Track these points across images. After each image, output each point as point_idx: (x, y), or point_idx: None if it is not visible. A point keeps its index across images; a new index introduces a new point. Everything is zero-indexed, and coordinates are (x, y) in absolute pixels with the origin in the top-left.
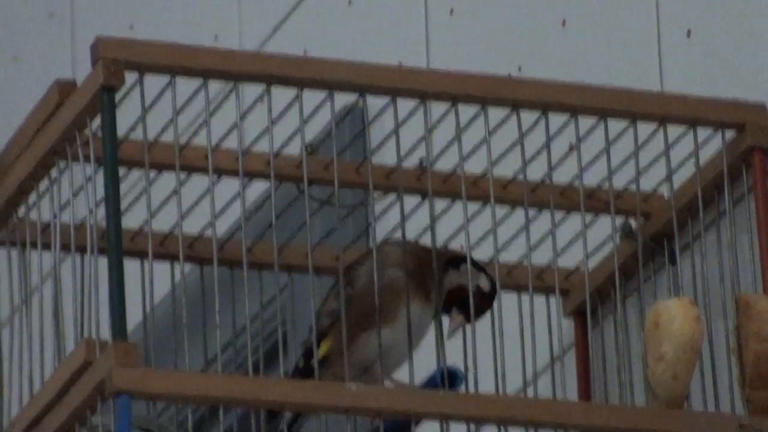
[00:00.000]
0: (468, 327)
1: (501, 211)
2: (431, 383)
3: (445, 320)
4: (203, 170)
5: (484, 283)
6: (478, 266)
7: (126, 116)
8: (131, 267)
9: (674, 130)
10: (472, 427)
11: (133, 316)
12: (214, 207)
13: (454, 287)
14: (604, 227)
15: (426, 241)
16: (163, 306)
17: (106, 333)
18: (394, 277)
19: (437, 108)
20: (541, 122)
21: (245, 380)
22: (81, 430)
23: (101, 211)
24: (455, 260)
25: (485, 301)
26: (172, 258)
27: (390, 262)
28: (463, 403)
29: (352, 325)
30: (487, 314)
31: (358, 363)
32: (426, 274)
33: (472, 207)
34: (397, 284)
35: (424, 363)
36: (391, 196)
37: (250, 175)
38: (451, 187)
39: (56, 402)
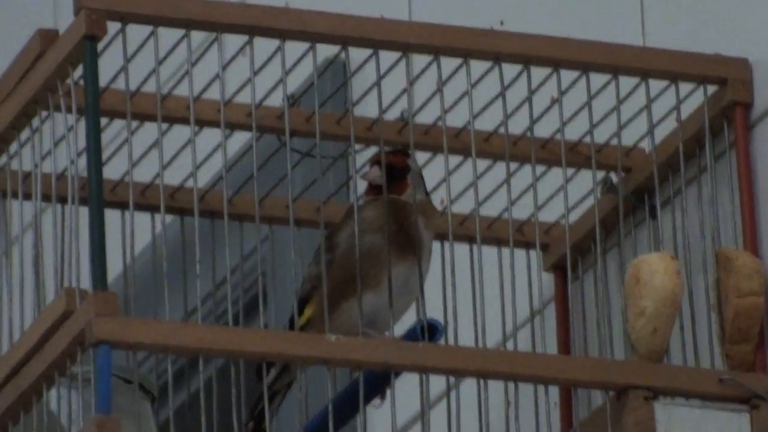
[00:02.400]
0: (449, 280)
1: (482, 164)
2: (411, 336)
3: (433, 267)
4: (185, 121)
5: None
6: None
7: (108, 66)
8: (112, 218)
9: (656, 85)
10: (452, 379)
11: (114, 268)
12: (195, 158)
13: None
14: (585, 181)
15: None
16: (144, 257)
17: (86, 284)
18: (374, 243)
19: (419, 60)
20: (523, 75)
21: (226, 331)
22: (61, 380)
23: (82, 161)
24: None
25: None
26: (153, 209)
27: (370, 227)
28: (442, 355)
29: (334, 292)
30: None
31: (343, 327)
32: (408, 229)
33: (454, 160)
34: (376, 250)
35: (405, 316)
36: (373, 148)
37: (232, 126)
38: (432, 139)
39: (36, 351)
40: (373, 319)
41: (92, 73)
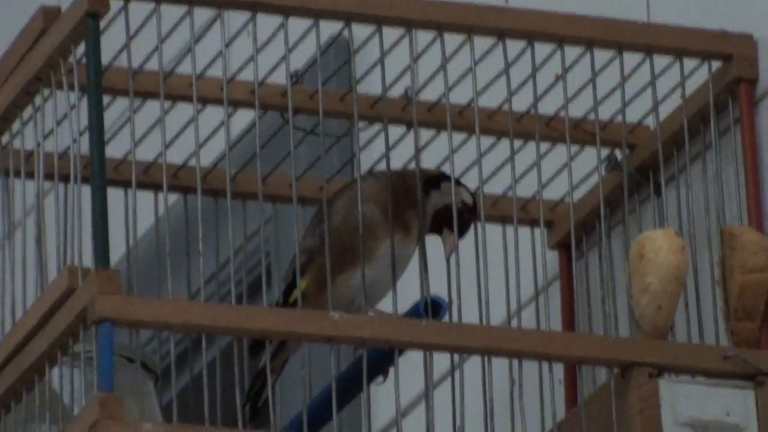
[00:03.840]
0: (453, 258)
1: (486, 141)
2: (414, 313)
3: (435, 244)
4: (188, 99)
5: (467, 197)
6: (456, 181)
7: (110, 44)
8: (115, 197)
9: (661, 61)
10: (456, 357)
11: (117, 249)
12: (198, 136)
13: (439, 208)
14: (589, 158)
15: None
16: (147, 238)
17: (89, 263)
18: (369, 215)
19: (423, 37)
20: (527, 52)
21: (228, 308)
22: (63, 359)
23: (85, 140)
24: (434, 181)
25: (471, 215)
26: (156, 187)
27: (364, 198)
28: (446, 333)
29: (330, 264)
30: (471, 234)
31: (337, 301)
32: (404, 204)
33: (458, 137)
34: (371, 222)
35: (408, 293)
36: (377, 126)
37: (235, 104)
38: (436, 117)
39: (38, 330)
40: (367, 292)
41: (95, 51)
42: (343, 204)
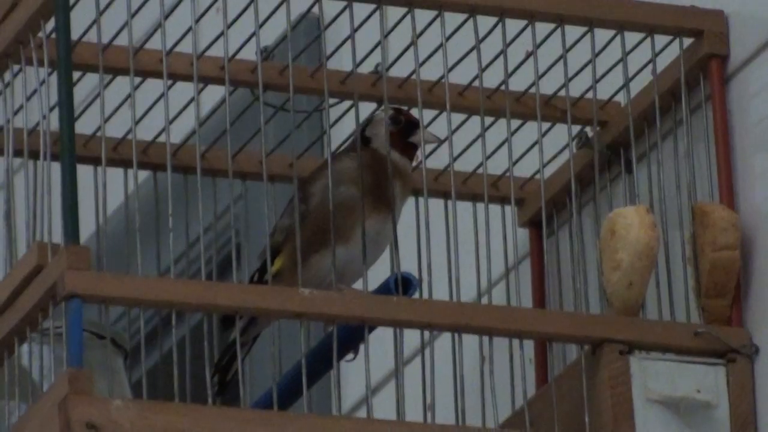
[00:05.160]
0: (423, 235)
1: (457, 118)
2: (385, 290)
3: (405, 221)
4: (158, 75)
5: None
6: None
7: (80, 19)
8: (84, 173)
9: (632, 37)
10: (426, 333)
11: (87, 226)
12: (167, 112)
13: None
14: (560, 135)
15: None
16: (117, 215)
17: (59, 239)
18: (348, 195)
19: (393, 13)
20: (498, 28)
21: (198, 284)
22: (32, 335)
23: (55, 116)
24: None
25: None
26: (126, 164)
27: (344, 179)
28: (417, 309)
29: (305, 245)
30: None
31: (312, 280)
32: (383, 182)
33: (428, 114)
34: (350, 202)
35: (379, 271)
36: (347, 102)
37: (205, 80)
38: (406, 93)
39: (8, 306)
40: (343, 272)
41: (64, 26)
42: (323, 184)
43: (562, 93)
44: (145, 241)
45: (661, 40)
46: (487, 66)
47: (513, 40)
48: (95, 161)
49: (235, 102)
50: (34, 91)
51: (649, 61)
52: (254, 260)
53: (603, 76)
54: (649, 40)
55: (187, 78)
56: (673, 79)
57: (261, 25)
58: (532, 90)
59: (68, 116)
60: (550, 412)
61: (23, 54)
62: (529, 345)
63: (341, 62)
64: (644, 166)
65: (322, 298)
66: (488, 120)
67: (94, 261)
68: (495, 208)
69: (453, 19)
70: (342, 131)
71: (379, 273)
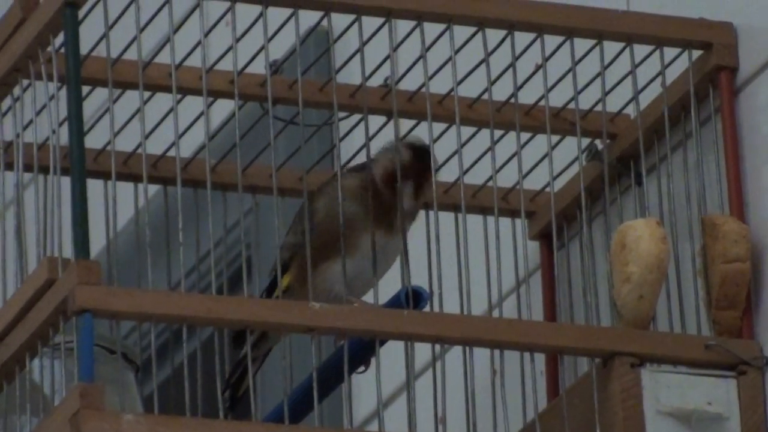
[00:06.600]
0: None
1: (466, 131)
2: (396, 303)
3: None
4: (167, 89)
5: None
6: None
7: (89, 33)
8: (94, 188)
9: (641, 50)
10: (437, 347)
11: (97, 240)
12: (177, 126)
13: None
14: (570, 148)
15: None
16: (127, 229)
17: (69, 254)
18: (351, 212)
19: (402, 26)
20: (507, 41)
21: (209, 299)
22: (44, 350)
23: (64, 131)
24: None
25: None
26: (136, 178)
27: (348, 195)
28: (428, 323)
29: (312, 258)
30: (452, 225)
31: (320, 295)
32: (388, 198)
33: (438, 127)
34: (352, 218)
35: (389, 284)
36: (357, 116)
37: (214, 94)
38: (416, 106)
39: (18, 321)
40: (349, 287)
41: (73, 41)
42: (327, 200)
43: (572, 106)
44: (156, 255)
45: (670, 52)
46: (497, 79)
47: (522, 53)
48: (105, 175)
49: (245, 116)
50: (44, 106)
51: (659, 74)
52: (264, 274)
53: (612, 88)
54: (658, 52)
55: (197, 92)
56: (683, 92)
57: (270, 39)
58: (542, 103)
59: (78, 131)
60: (562, 425)
61: (32, 69)
62: (540, 358)
63: (351, 76)
64: (654, 178)
65: (333, 312)
66: (498, 133)
67: (104, 275)
68: (505, 221)
69: (462, 32)
70: (352, 145)
71: (389, 286)
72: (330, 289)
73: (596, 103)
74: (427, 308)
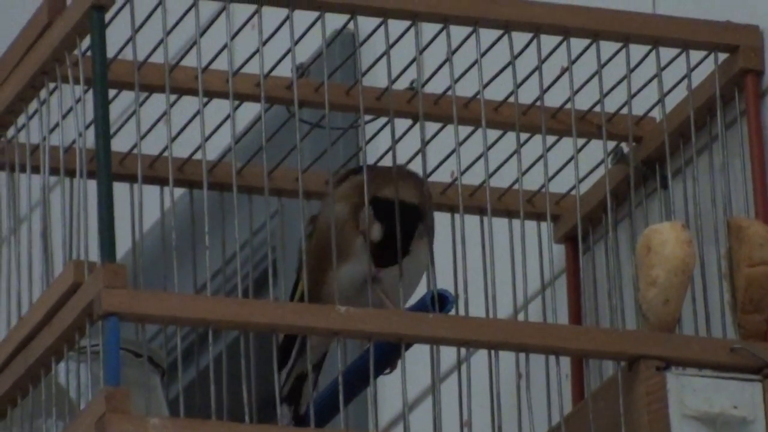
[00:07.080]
0: (459, 252)
1: (492, 134)
2: (421, 306)
3: (440, 239)
4: (193, 92)
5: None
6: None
7: (116, 37)
8: (121, 191)
9: (667, 53)
10: (463, 350)
11: (123, 243)
12: (203, 129)
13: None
14: (595, 151)
15: (417, 164)
16: (153, 234)
17: (95, 257)
18: (340, 213)
19: (428, 29)
20: (533, 44)
21: (235, 302)
22: (69, 353)
23: (91, 134)
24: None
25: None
26: (162, 181)
27: (337, 197)
28: (453, 326)
29: (317, 264)
30: (478, 228)
31: (330, 298)
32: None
33: (464, 130)
34: (342, 219)
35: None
36: (382, 119)
37: (240, 97)
38: (442, 109)
39: (44, 324)
40: (347, 289)
41: (100, 44)
42: (325, 204)
43: (598, 109)
44: (181, 258)
45: (696, 55)
46: (523, 82)
47: (548, 56)
48: (131, 179)
49: (271, 119)
50: (70, 109)
51: (684, 77)
52: (290, 277)
53: (638, 91)
54: (684, 55)
55: (223, 95)
56: (708, 95)
57: (296, 42)
58: (568, 106)
59: (104, 134)
60: (587, 429)
61: (59, 72)
62: (566, 361)
63: (376, 78)
64: (680, 181)
65: (359, 316)
66: (524, 136)
67: (130, 279)
68: (531, 224)
69: (488, 35)
70: (377, 148)
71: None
72: (345, 291)
73: (622, 106)
74: (452, 312)
